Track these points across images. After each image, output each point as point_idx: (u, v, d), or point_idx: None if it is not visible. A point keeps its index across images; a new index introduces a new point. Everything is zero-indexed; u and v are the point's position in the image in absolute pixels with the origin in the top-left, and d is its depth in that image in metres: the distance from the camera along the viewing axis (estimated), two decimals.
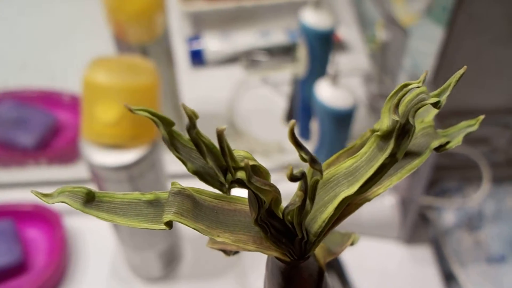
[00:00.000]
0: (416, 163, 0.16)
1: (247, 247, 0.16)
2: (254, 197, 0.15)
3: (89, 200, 0.16)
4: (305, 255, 0.16)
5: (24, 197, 0.64)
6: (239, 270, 0.60)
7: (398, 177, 0.16)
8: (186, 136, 0.15)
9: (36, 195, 0.15)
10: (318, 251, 0.17)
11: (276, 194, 0.15)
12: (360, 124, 0.70)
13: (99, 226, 0.59)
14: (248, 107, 0.76)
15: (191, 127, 0.14)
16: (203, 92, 0.78)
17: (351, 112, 0.53)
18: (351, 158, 0.16)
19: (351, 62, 0.80)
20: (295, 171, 0.15)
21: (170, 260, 0.59)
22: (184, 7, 0.84)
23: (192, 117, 0.14)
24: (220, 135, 0.14)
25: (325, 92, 0.53)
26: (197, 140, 0.14)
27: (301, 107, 0.68)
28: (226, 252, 0.18)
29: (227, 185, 0.15)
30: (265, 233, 0.16)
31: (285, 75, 0.78)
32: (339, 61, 0.55)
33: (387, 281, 0.61)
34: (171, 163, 0.58)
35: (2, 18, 0.92)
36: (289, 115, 0.74)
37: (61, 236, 0.60)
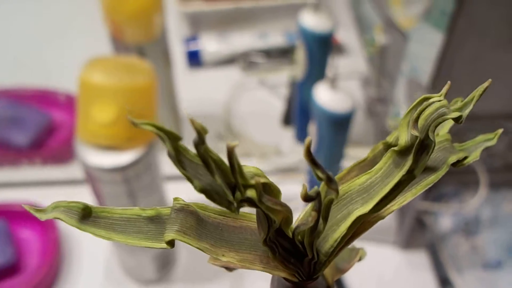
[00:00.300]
0: (432, 178, 0.15)
1: (253, 267, 0.15)
2: (264, 216, 0.14)
3: (86, 216, 0.15)
4: (314, 276, 0.16)
5: (17, 197, 0.63)
6: (234, 274, 0.60)
7: (413, 193, 0.15)
8: (192, 151, 0.14)
9: (29, 210, 0.15)
10: (327, 269, 0.17)
11: (287, 214, 0.14)
12: (358, 128, 0.70)
13: None
14: (245, 109, 0.76)
15: (200, 142, 0.13)
16: (200, 94, 0.77)
17: (349, 116, 0.53)
18: (365, 174, 0.15)
19: (349, 65, 0.80)
20: (310, 191, 0.14)
21: (165, 263, 0.59)
22: (181, 8, 0.84)
23: (201, 132, 0.13)
24: (230, 152, 0.13)
25: (324, 96, 0.52)
26: (205, 156, 0.13)
27: (299, 110, 0.67)
28: (229, 269, 0.17)
29: (235, 204, 0.14)
30: (273, 253, 0.15)
31: (282, 77, 0.78)
32: (337, 64, 0.55)
33: (384, 286, 0.60)
34: (167, 165, 0.58)
35: None
36: (287, 118, 0.73)
37: (55, 237, 0.59)
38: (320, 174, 0.14)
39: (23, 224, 0.61)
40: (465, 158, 0.15)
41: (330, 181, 0.14)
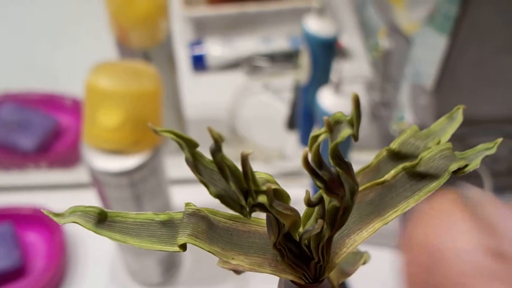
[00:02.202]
0: (434, 185, 0.16)
1: (261, 270, 0.16)
2: (275, 221, 0.15)
3: (101, 220, 0.16)
4: (319, 278, 0.16)
5: (23, 200, 0.64)
6: (238, 277, 0.60)
7: (415, 200, 0.16)
8: (207, 157, 0.15)
9: (47, 214, 0.15)
10: (332, 273, 0.17)
11: (296, 218, 0.15)
12: (362, 132, 0.70)
13: None
14: (249, 113, 0.76)
15: (217, 150, 0.14)
16: (205, 97, 0.77)
17: None
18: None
19: (353, 69, 0.80)
20: (313, 197, 0.14)
21: (170, 266, 0.59)
22: (186, 12, 0.84)
23: (218, 140, 0.14)
24: (244, 160, 0.14)
25: (328, 100, 0.53)
26: (221, 163, 0.14)
27: (303, 114, 0.68)
28: (237, 272, 0.18)
29: (248, 209, 0.15)
30: (282, 257, 0.15)
31: (286, 81, 0.78)
32: (341, 69, 0.55)
33: None
34: (172, 169, 0.58)
35: (5, 20, 0.92)
36: (291, 122, 0.74)
37: (60, 240, 0.60)
38: (318, 184, 0.14)
39: (29, 228, 0.62)
40: (466, 166, 0.16)
41: (329, 191, 0.14)
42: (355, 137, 0.14)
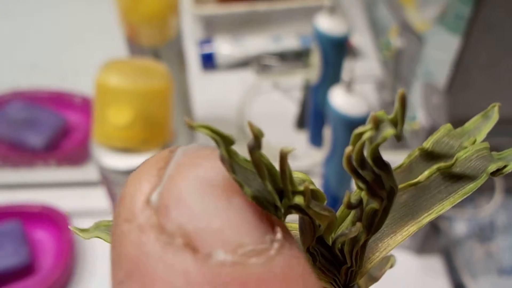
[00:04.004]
0: (471, 187, 0.15)
1: None
2: (310, 223, 0.14)
3: None
4: (350, 284, 0.15)
5: (32, 198, 0.64)
6: None
7: (450, 202, 0.15)
8: (241, 155, 0.14)
9: (74, 230, 0.15)
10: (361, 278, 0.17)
11: (333, 219, 0.14)
12: None
13: None
14: (258, 111, 0.76)
15: (256, 147, 0.13)
16: (214, 96, 0.77)
17: (365, 120, 0.52)
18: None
19: (364, 68, 0.79)
20: (352, 199, 0.13)
21: None
22: (196, 10, 0.84)
23: (258, 136, 0.12)
24: (284, 157, 0.13)
25: (339, 99, 0.52)
26: (259, 161, 0.13)
27: (314, 113, 0.67)
28: None
29: (283, 210, 0.13)
30: (314, 262, 0.15)
31: (296, 80, 0.78)
32: (353, 68, 0.55)
33: None
34: None
35: (15, 18, 0.92)
36: (300, 121, 0.73)
37: (69, 237, 0.60)
38: (360, 184, 0.13)
39: (37, 225, 0.62)
40: (505, 166, 0.15)
41: (371, 192, 0.13)
42: (399, 137, 0.13)
